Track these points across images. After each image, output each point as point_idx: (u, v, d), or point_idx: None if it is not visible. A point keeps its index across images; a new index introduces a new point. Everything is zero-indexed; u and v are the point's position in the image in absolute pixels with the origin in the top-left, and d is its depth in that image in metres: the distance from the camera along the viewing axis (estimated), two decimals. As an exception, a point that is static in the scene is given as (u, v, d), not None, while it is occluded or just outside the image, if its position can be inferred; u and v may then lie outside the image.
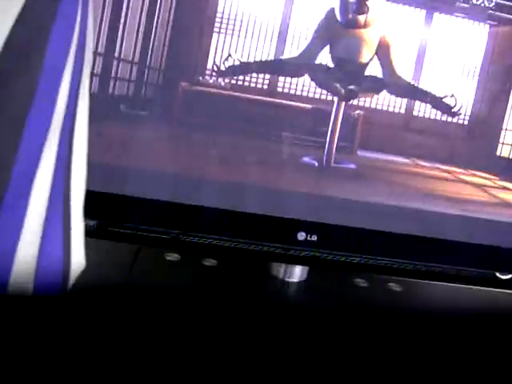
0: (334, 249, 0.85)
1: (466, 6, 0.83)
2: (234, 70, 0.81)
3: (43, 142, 0.49)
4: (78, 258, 0.53)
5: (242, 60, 0.80)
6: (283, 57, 0.81)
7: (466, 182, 0.88)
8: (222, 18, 0.80)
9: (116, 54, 0.78)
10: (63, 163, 0.51)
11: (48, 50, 0.48)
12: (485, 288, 0.94)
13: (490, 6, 0.83)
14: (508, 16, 0.84)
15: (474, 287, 0.94)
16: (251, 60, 0.81)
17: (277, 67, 0.82)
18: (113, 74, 0.79)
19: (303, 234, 0.83)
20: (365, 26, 0.82)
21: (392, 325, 0.84)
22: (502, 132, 0.87)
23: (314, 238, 0.83)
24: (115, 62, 0.79)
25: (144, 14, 0.78)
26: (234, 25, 0.80)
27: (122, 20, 0.77)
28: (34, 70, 0.48)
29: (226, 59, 0.80)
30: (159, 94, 0.81)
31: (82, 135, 0.53)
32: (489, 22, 0.84)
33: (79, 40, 0.50)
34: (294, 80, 0.82)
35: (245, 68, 0.81)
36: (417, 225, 0.86)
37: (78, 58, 0.50)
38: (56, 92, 0.49)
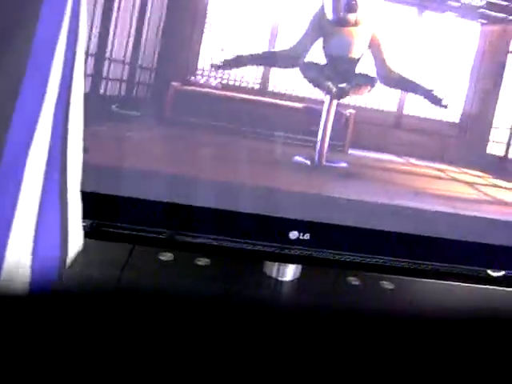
0: (326, 247, 0.85)
1: (457, 4, 0.83)
2: (225, 65, 0.81)
3: (38, 114, 0.48)
4: (75, 238, 0.53)
5: (234, 55, 0.81)
6: (274, 53, 0.81)
7: (458, 180, 0.88)
8: (212, 17, 0.80)
9: (107, 55, 0.78)
10: (59, 133, 0.50)
11: (40, 21, 0.47)
12: (476, 285, 0.94)
13: (482, 4, 0.83)
14: (499, 14, 0.84)
15: (466, 284, 0.94)
16: (241, 57, 0.81)
17: (268, 63, 0.82)
18: (104, 75, 0.79)
19: (295, 232, 0.83)
20: (355, 24, 0.82)
21: (384, 323, 0.84)
22: (493, 130, 0.88)
23: (307, 236, 0.84)
24: (107, 63, 0.78)
25: (135, 14, 0.78)
26: (225, 23, 0.80)
27: (113, 20, 0.77)
28: (27, 42, 0.47)
29: (218, 54, 0.80)
30: (151, 93, 0.81)
31: (78, 105, 0.52)
32: (480, 20, 0.84)
33: (73, 10, 0.49)
34: (286, 79, 0.82)
35: (236, 62, 0.81)
36: (409, 223, 0.86)
37: (71, 29, 0.49)
38: (49, 63, 0.48)
